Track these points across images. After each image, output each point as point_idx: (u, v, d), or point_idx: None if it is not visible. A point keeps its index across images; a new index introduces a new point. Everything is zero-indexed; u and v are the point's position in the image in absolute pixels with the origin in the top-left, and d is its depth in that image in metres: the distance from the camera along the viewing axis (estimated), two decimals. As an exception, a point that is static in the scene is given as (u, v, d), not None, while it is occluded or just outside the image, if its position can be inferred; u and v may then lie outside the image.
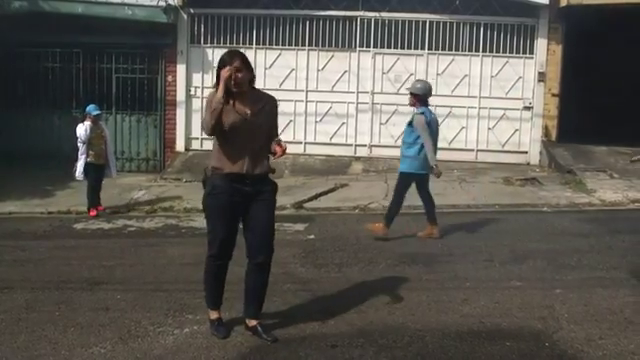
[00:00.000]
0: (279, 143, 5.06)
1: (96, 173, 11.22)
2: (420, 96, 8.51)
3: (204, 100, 14.37)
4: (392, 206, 8.65)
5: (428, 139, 8.30)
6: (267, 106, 5.12)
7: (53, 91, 14.99)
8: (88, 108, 11.35)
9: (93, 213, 10.88)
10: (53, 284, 6.76)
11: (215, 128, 4.94)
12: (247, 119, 4.97)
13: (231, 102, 4.98)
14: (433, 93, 13.99)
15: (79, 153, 11.10)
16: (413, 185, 8.60)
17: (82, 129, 11.07)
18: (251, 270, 5.20)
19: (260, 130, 5.02)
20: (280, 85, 14.33)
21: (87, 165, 11.08)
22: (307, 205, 11.05)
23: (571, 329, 5.37)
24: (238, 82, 4.92)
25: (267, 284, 5.29)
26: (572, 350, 4.96)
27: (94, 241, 9.06)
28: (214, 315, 5.27)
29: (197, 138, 14.96)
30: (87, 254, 8.18)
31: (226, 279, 5.23)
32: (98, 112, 11.44)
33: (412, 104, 8.62)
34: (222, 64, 4.96)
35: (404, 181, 8.59)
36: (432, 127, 8.42)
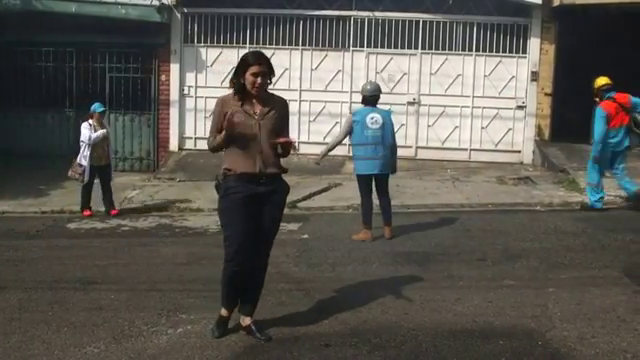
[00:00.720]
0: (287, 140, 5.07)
1: (98, 174, 10.80)
2: (363, 96, 8.72)
3: (199, 100, 14.61)
4: (362, 209, 8.73)
5: (339, 136, 8.82)
6: (276, 108, 5.12)
7: (46, 90, 14.94)
8: (94, 106, 10.98)
9: (87, 213, 10.67)
10: (46, 284, 6.75)
11: (217, 149, 5.10)
12: (255, 120, 4.98)
13: (241, 102, 5.00)
14: (427, 92, 14.35)
15: (81, 155, 10.68)
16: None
17: (90, 131, 10.66)
18: (250, 267, 5.20)
19: (269, 132, 5.01)
20: (273, 85, 14.16)
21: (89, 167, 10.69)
22: (301, 205, 11.05)
23: (564, 328, 5.39)
24: (261, 87, 4.96)
25: (263, 283, 5.32)
26: (565, 349, 4.98)
27: (87, 241, 9.05)
28: (224, 312, 5.24)
29: (191, 137, 14.96)
30: (80, 254, 8.17)
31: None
32: (104, 108, 11.09)
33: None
34: (245, 64, 4.95)
35: (360, 182, 8.72)
36: (363, 127, 8.48)
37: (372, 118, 8.50)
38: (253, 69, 4.91)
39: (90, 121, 10.80)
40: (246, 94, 5.00)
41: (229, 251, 5.02)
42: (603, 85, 10.16)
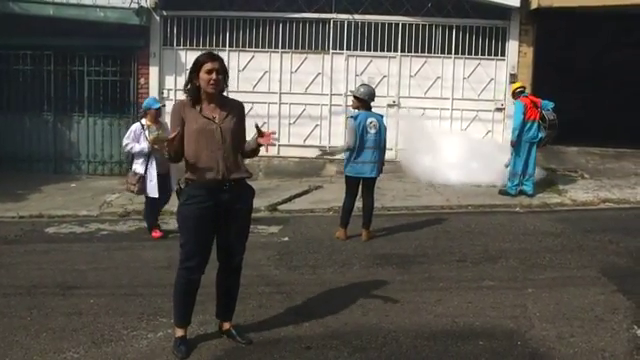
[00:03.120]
0: (262, 133, 4.92)
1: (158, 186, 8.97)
2: (364, 100, 8.69)
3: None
4: (343, 210, 8.89)
5: (350, 142, 8.58)
6: (234, 111, 5.03)
7: (24, 94, 14.77)
8: (147, 102, 9.36)
9: (156, 234, 9.14)
10: (25, 289, 6.69)
11: (176, 159, 5.01)
12: (216, 125, 4.89)
13: (198, 107, 4.90)
14: (406, 95, 14.38)
15: (135, 162, 9.09)
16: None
17: (133, 138, 8.99)
18: (224, 273, 5.18)
19: (230, 135, 4.93)
20: (254, 87, 14.30)
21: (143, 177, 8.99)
22: (281, 207, 11.05)
23: (543, 327, 5.44)
24: (217, 83, 4.84)
25: (239, 287, 5.31)
26: (544, 348, 5.03)
27: (66, 245, 8.97)
28: (179, 333, 5.08)
29: (170, 141, 14.86)
30: (59, 258, 8.10)
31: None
32: (160, 104, 9.36)
33: (355, 107, 8.78)
34: (198, 64, 4.86)
35: (348, 183, 8.79)
36: (364, 131, 8.54)
37: (371, 122, 8.57)
38: (207, 66, 4.82)
39: (143, 121, 9.16)
40: (203, 98, 4.91)
41: (183, 258, 4.95)
42: (517, 88, 11.95)
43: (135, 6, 13.96)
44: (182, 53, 14.67)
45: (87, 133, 14.75)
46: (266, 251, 8.02)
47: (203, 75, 4.83)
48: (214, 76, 4.82)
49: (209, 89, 4.86)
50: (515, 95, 11.83)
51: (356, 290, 6.51)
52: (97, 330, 5.48)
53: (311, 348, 5.05)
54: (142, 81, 14.65)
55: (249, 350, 5.02)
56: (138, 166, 9.01)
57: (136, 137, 8.99)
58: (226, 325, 5.23)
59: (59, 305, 6.19)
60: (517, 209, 10.71)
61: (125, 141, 9.12)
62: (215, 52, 5.38)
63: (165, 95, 14.69)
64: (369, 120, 8.57)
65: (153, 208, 9.25)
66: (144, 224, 9.53)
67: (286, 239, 8.87)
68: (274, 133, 4.96)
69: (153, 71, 14.64)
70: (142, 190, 9.03)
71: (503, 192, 11.63)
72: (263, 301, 6.16)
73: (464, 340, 5.20)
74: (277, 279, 6.98)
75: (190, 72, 4.93)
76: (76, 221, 10.54)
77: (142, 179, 8.96)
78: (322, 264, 7.56)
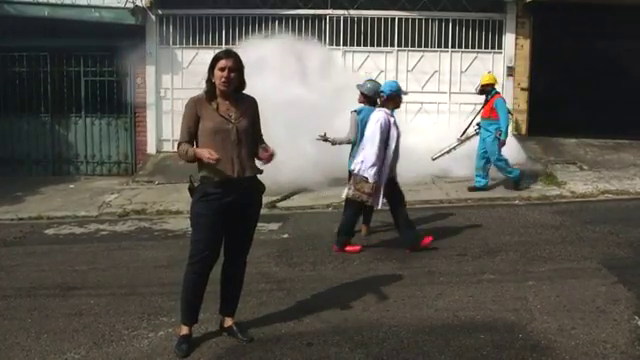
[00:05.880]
0: (265, 149, 5.03)
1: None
2: (369, 96, 8.58)
3: (175, 102, 14.49)
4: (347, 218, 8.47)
5: (350, 134, 8.45)
6: (250, 109, 5.05)
7: (21, 95, 14.76)
8: (393, 86, 7.67)
9: (356, 248, 7.78)
10: (25, 291, 6.69)
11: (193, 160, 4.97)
12: (232, 123, 4.90)
13: (214, 105, 4.90)
14: (404, 89, 14.29)
15: (372, 160, 7.39)
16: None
17: (378, 120, 7.36)
18: (231, 267, 5.20)
19: (246, 133, 4.95)
20: (251, 85, 14.28)
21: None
22: (280, 204, 11.02)
23: (544, 320, 5.44)
24: (228, 81, 4.86)
25: (243, 283, 5.33)
26: (545, 341, 5.03)
27: (66, 246, 8.96)
28: (184, 331, 5.08)
29: (168, 140, 14.83)
30: (59, 259, 8.09)
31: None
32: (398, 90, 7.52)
33: (361, 102, 8.67)
34: (214, 60, 4.89)
35: (349, 178, 8.65)
36: (362, 127, 8.40)
37: (377, 120, 8.49)
38: (221, 63, 4.84)
39: (386, 110, 7.68)
40: (218, 95, 4.93)
41: (195, 253, 4.97)
42: (493, 84, 11.37)
43: (130, 6, 13.94)
44: (178, 52, 14.65)
45: (85, 134, 14.75)
46: (266, 248, 8.00)
47: (217, 72, 4.86)
48: (226, 73, 4.84)
49: (221, 87, 4.89)
50: (486, 88, 11.31)
51: (356, 286, 6.51)
52: (98, 331, 5.48)
53: (312, 344, 5.05)
54: (139, 81, 14.64)
55: (250, 348, 5.02)
56: (373, 169, 7.45)
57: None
58: (229, 321, 5.23)
59: (59, 306, 6.18)
60: (516, 202, 10.70)
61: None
62: (232, 49, 5.37)
63: (162, 94, 14.69)
64: (376, 116, 8.52)
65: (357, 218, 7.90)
66: (144, 224, 9.47)
67: (286, 236, 8.86)
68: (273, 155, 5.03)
69: (150, 70, 14.63)
70: (374, 201, 7.53)
71: (516, 185, 11.32)
72: (264, 298, 6.16)
73: (465, 334, 5.19)
74: (277, 276, 6.97)
75: (208, 68, 4.95)
76: (75, 222, 10.53)
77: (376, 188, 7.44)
78: (322, 260, 7.55)
